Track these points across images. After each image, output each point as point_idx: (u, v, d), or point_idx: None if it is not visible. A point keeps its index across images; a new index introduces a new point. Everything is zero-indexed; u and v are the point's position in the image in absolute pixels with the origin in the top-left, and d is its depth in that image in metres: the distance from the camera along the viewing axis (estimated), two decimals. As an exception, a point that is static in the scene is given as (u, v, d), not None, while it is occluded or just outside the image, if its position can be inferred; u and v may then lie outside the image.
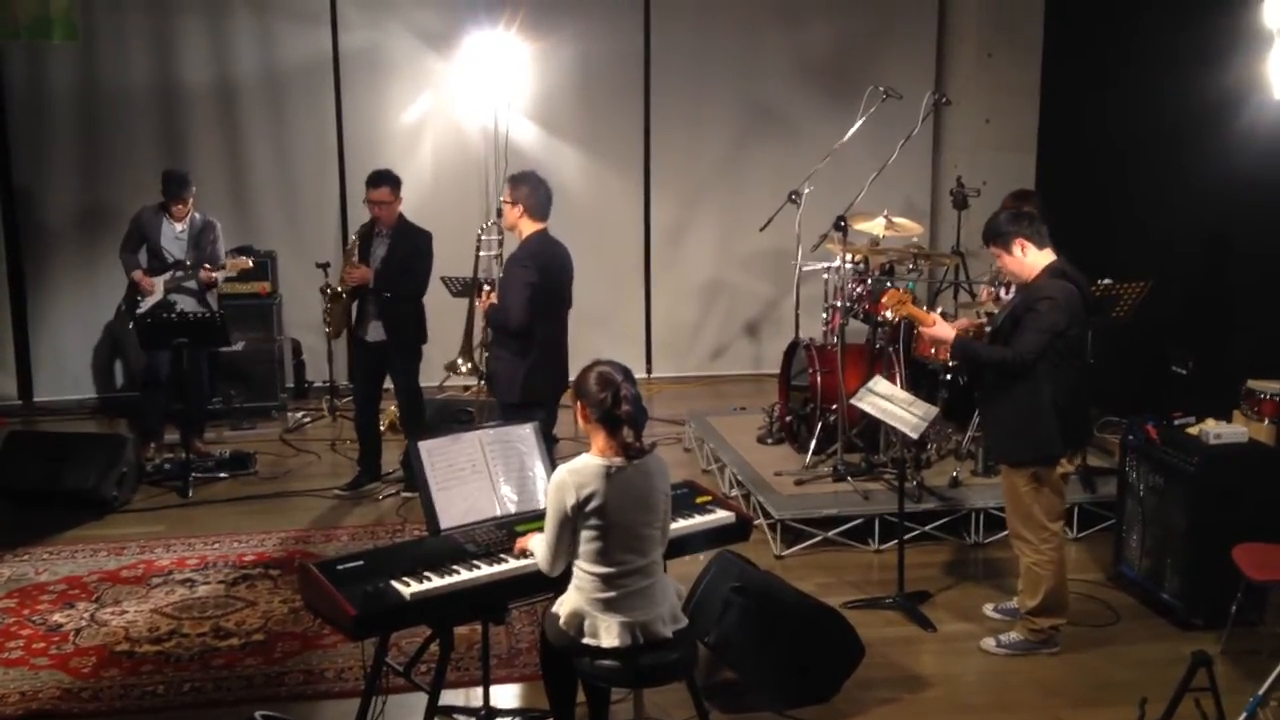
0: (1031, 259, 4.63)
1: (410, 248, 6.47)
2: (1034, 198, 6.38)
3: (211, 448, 7.45)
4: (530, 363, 5.30)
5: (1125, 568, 5.40)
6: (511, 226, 5.46)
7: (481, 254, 7.21)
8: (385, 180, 6.42)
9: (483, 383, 8.43)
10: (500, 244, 7.51)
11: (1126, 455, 5.38)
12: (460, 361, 7.12)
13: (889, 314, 5.08)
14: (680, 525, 3.99)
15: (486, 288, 5.66)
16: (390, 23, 8.68)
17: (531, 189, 5.34)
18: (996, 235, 4.69)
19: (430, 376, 8.04)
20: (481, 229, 7.32)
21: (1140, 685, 4.24)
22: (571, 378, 3.77)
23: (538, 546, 3.60)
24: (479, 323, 6.66)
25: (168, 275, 7.06)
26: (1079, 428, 4.83)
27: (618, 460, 3.48)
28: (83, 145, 8.45)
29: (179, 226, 7.13)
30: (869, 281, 6.51)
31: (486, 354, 6.74)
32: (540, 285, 5.24)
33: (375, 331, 6.52)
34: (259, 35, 8.55)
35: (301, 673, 4.67)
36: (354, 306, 6.64)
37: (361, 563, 3.68)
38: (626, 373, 3.58)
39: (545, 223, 5.39)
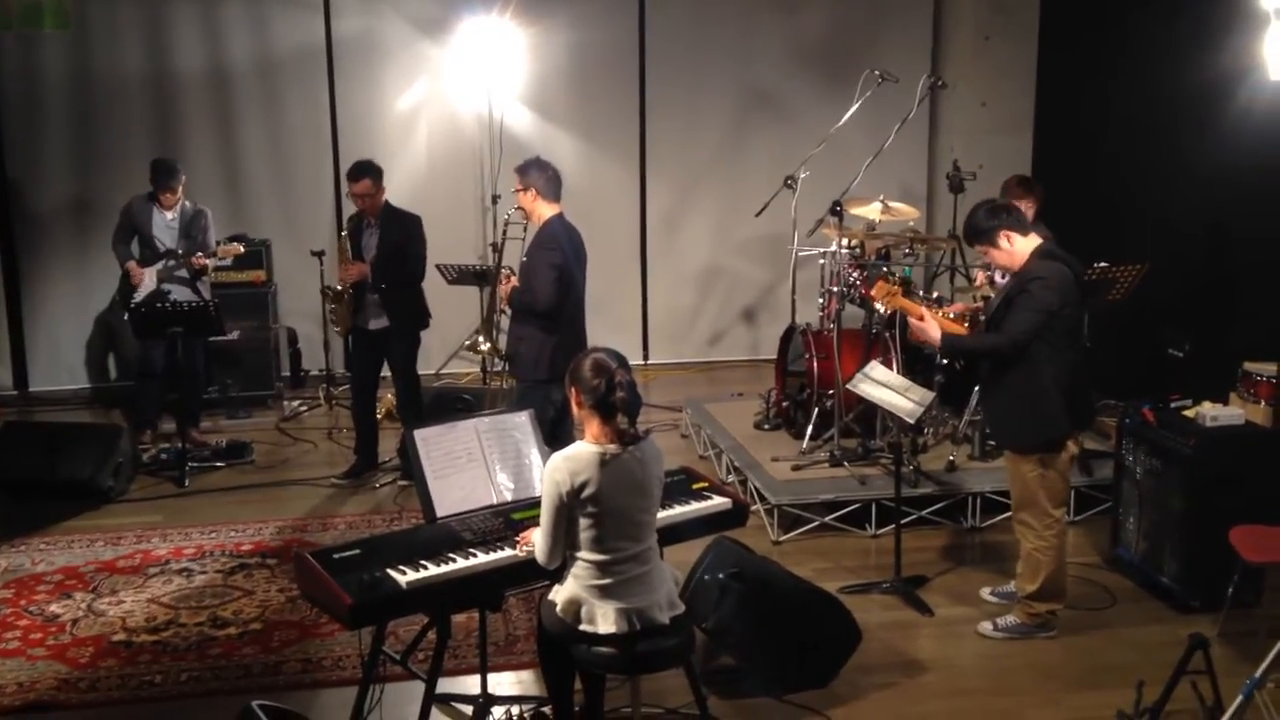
0: (1019, 247, 4.60)
1: (401, 233, 6.46)
2: (1037, 187, 6.32)
3: (208, 437, 7.44)
4: (557, 340, 5.38)
5: (1122, 551, 5.41)
6: (529, 213, 5.55)
7: (507, 239, 7.19)
8: (365, 172, 6.39)
9: (481, 370, 8.44)
10: (524, 229, 7.46)
11: (1123, 438, 5.38)
12: (481, 339, 7.13)
13: (880, 306, 5.06)
14: (677, 511, 3.99)
15: (505, 270, 5.71)
16: (384, 9, 8.64)
17: (540, 171, 5.47)
18: (980, 233, 4.63)
19: (427, 364, 8.04)
20: (508, 215, 7.30)
21: (1137, 668, 4.25)
22: None
23: (536, 538, 3.59)
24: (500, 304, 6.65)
25: (159, 265, 7.04)
26: (1082, 408, 4.81)
27: (612, 447, 3.48)
28: (76, 135, 8.42)
29: (169, 215, 7.11)
30: (865, 267, 6.50)
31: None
32: (564, 265, 5.35)
33: (377, 320, 6.52)
34: (252, 22, 8.52)
35: (299, 661, 4.67)
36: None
37: (358, 551, 3.67)
38: (621, 360, 3.57)
39: (559, 204, 5.50)
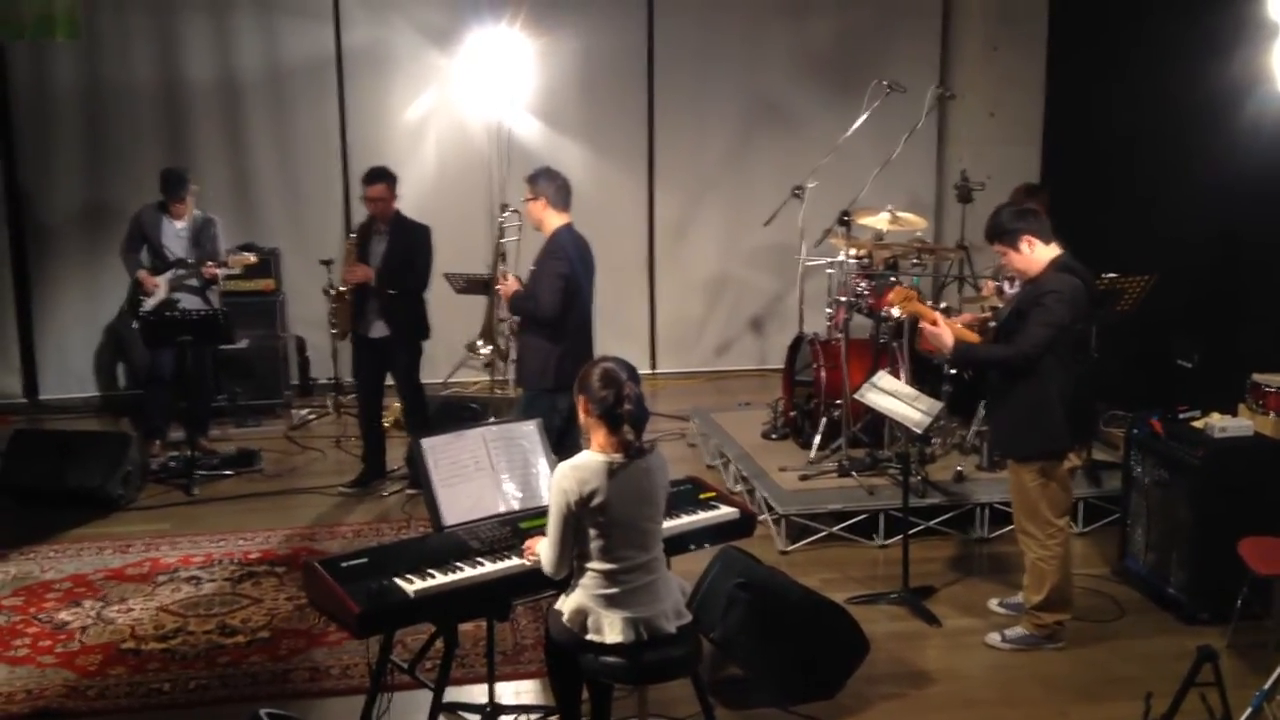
0: (1039, 254, 4.59)
1: (409, 242, 6.49)
2: (1044, 193, 6.35)
3: (216, 445, 7.46)
4: (563, 349, 5.40)
5: (1130, 562, 5.40)
6: (538, 222, 5.55)
7: (504, 240, 7.18)
8: (381, 177, 6.43)
9: (489, 378, 8.45)
10: (521, 229, 7.46)
11: (1131, 449, 5.37)
12: (481, 343, 7.16)
13: (896, 311, 5.05)
14: (684, 521, 3.99)
15: (503, 268, 5.71)
16: (394, 19, 8.68)
17: (550, 180, 5.48)
18: (1003, 234, 4.61)
19: (434, 373, 8.06)
20: (503, 218, 7.32)
21: (1145, 680, 4.24)
22: None
23: (542, 548, 3.59)
24: (501, 308, 6.68)
25: (170, 274, 7.06)
26: (1085, 421, 4.80)
27: (618, 456, 3.47)
28: (87, 144, 8.46)
29: (179, 224, 7.13)
30: (873, 277, 6.50)
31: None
32: (572, 275, 5.37)
33: (378, 328, 6.53)
34: (262, 32, 8.56)
35: (307, 670, 4.68)
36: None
37: (366, 560, 3.68)
38: (631, 371, 3.57)
39: (569, 214, 5.51)
